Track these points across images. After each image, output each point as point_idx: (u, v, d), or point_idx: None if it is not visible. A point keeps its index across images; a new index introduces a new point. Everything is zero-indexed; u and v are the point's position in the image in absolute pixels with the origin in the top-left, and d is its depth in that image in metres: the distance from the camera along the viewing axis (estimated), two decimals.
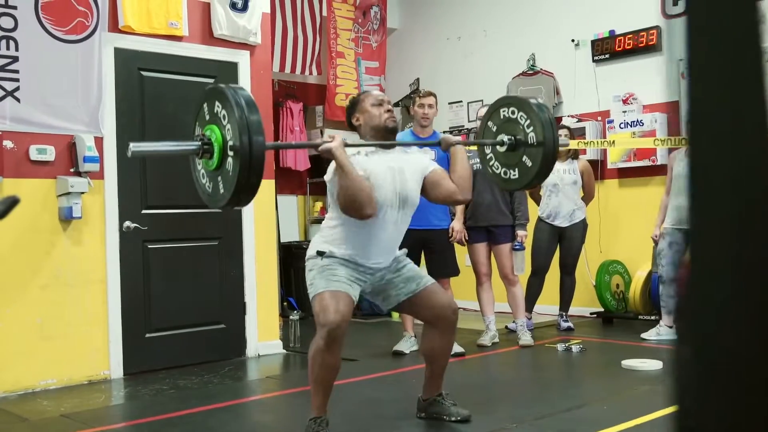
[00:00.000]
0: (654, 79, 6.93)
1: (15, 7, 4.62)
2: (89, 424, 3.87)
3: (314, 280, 3.37)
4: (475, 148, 5.51)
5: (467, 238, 5.79)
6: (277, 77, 7.95)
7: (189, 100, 5.36)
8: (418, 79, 8.75)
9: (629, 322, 6.77)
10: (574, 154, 6.48)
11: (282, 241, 7.80)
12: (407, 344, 5.63)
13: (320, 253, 3.40)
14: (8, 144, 4.61)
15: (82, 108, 4.88)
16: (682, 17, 0.88)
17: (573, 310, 6.79)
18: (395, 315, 7.55)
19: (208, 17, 5.51)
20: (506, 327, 6.18)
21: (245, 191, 2.87)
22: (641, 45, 6.98)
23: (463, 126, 8.38)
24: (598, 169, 7.14)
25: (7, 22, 4.60)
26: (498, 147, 3.76)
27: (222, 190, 2.92)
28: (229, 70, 5.65)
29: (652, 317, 6.43)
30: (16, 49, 4.62)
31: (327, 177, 3.43)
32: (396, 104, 8.88)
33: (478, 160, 5.85)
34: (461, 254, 5.94)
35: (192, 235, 5.44)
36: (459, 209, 5.62)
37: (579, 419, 3.75)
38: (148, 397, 4.48)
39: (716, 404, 0.88)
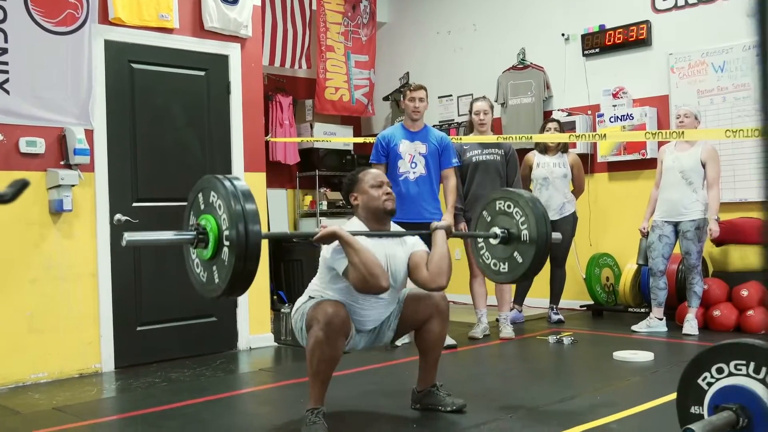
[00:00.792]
0: (644, 74, 6.96)
1: None
2: (83, 417, 3.85)
3: (305, 307, 3.43)
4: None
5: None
6: (267, 71, 7.92)
7: (179, 93, 5.40)
8: (407, 73, 8.75)
9: (619, 315, 6.81)
10: (564, 148, 6.50)
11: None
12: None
13: (311, 297, 3.48)
14: None
15: (72, 100, 4.85)
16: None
17: (563, 302, 6.82)
18: None
19: (198, 9, 5.49)
20: (496, 319, 6.20)
21: (241, 280, 2.82)
22: (631, 39, 7.01)
23: (452, 120, 8.39)
24: (587, 163, 7.16)
25: None
26: (491, 239, 3.79)
27: (217, 280, 2.88)
28: (220, 62, 5.63)
29: (642, 310, 6.47)
30: (5, 41, 4.58)
31: (326, 255, 3.42)
32: (386, 98, 8.89)
33: (478, 152, 5.89)
34: (451, 248, 5.92)
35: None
36: (450, 202, 5.61)
37: (573, 410, 3.76)
38: (140, 390, 4.47)
39: None
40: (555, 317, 6.57)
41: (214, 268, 2.89)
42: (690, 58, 6.63)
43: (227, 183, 2.86)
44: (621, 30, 7.07)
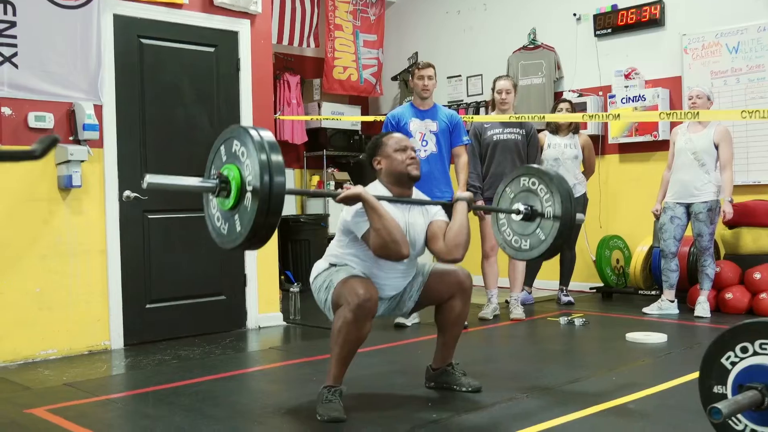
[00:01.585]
0: (656, 54, 6.88)
1: None
2: (94, 393, 3.82)
3: (330, 280, 3.35)
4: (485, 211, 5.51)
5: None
6: (275, 49, 7.84)
7: (189, 69, 5.34)
8: (416, 53, 8.67)
9: (629, 297, 6.78)
10: (576, 129, 6.44)
11: None
12: (410, 317, 5.60)
13: (332, 264, 3.43)
14: (6, 111, 4.51)
15: (81, 75, 4.79)
16: None
17: (572, 285, 6.78)
18: None
19: None
20: (506, 301, 6.15)
21: (261, 233, 2.75)
22: (644, 20, 6.93)
23: (461, 100, 8.32)
24: (598, 144, 7.10)
25: None
26: (513, 215, 3.71)
27: (237, 230, 2.81)
28: (229, 39, 5.56)
29: (653, 292, 6.43)
30: (14, 14, 4.52)
31: (346, 218, 3.36)
32: (394, 78, 8.81)
33: (499, 131, 5.82)
34: None
35: (192, 205, 5.29)
36: (462, 180, 5.55)
37: (589, 390, 3.73)
38: (150, 367, 4.43)
39: None
40: (565, 299, 6.54)
41: (235, 218, 2.82)
42: (704, 38, 6.55)
43: (253, 132, 2.78)
44: (634, 10, 6.99)
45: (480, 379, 3.71)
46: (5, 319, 4.52)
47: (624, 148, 7.11)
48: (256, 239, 2.77)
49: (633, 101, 6.83)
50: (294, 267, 7.81)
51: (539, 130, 6.59)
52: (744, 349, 2.56)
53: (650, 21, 6.88)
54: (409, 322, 5.57)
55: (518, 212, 3.67)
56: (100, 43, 4.86)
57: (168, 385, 3.94)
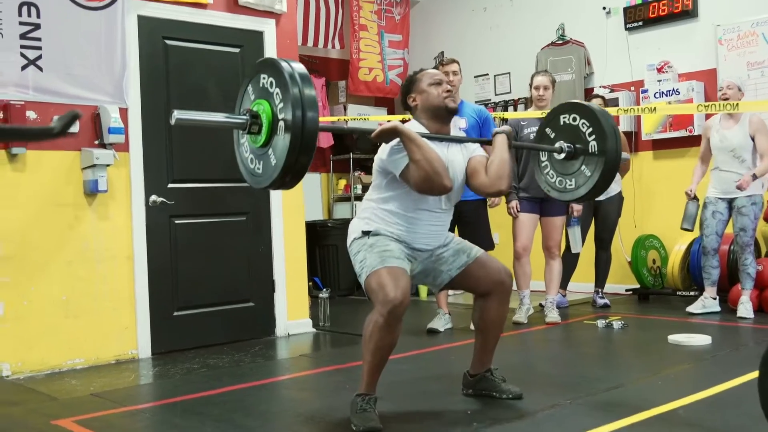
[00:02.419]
0: (690, 46, 6.70)
1: None
2: (122, 403, 3.72)
3: (365, 259, 3.18)
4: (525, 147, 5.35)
5: (518, 209, 5.60)
6: (299, 51, 7.73)
7: (214, 70, 5.25)
8: (442, 53, 8.52)
9: (667, 299, 6.59)
10: None
11: (305, 219, 7.63)
12: (441, 322, 5.47)
13: (366, 233, 3.24)
14: (31, 114, 4.43)
15: (106, 78, 4.71)
16: None
17: (607, 287, 6.59)
18: (423, 294, 7.39)
19: None
20: (540, 304, 5.98)
21: (293, 171, 2.66)
22: (676, 11, 6.75)
23: (489, 100, 8.17)
24: (631, 140, 6.93)
25: None
26: (555, 154, 3.55)
27: (268, 169, 2.72)
28: (255, 39, 5.46)
29: (691, 293, 6.23)
30: (38, 16, 4.44)
31: (382, 156, 3.22)
32: None
33: (536, 129, 5.64)
34: (492, 229, 5.68)
35: (219, 210, 5.28)
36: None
37: (633, 395, 3.57)
38: (179, 376, 4.33)
39: None
40: (600, 301, 6.36)
41: (266, 156, 2.73)
42: (739, 29, 6.36)
43: (284, 64, 2.68)
44: (665, 1, 6.81)
45: (520, 386, 3.56)
46: (32, 328, 4.44)
47: (658, 144, 6.92)
48: (286, 180, 2.71)
49: (666, 95, 6.65)
50: (322, 273, 7.70)
51: None
52: None
53: (683, 12, 6.70)
54: (441, 327, 5.43)
55: (561, 150, 3.51)
56: (125, 45, 4.77)
57: (197, 395, 3.83)
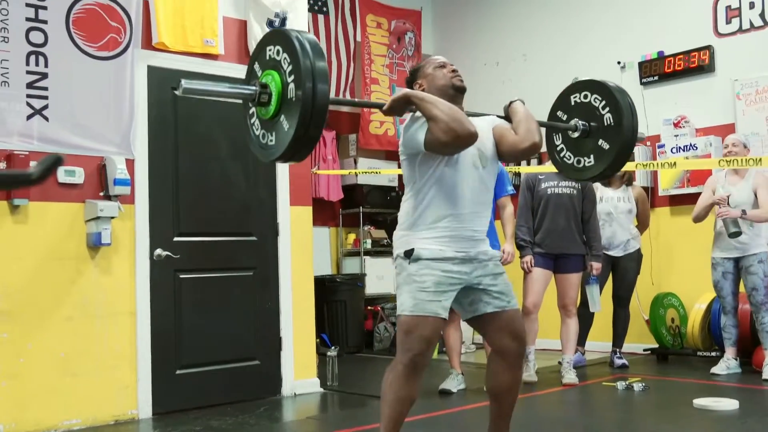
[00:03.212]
0: (707, 101, 6.60)
1: (45, 22, 4.37)
2: None
3: (402, 292, 3.06)
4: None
5: (532, 264, 5.42)
6: None
7: (224, 121, 5.14)
8: None
9: (686, 359, 6.36)
10: (629, 180, 6.14)
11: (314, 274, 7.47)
12: (455, 382, 5.25)
13: (407, 254, 3.05)
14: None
15: (114, 128, 4.61)
16: None
17: (624, 346, 6.36)
18: (434, 352, 7.16)
19: (244, 35, 5.26)
20: (559, 362, 5.75)
21: (303, 144, 2.62)
22: (692, 66, 6.67)
23: None
24: (648, 196, 6.77)
25: (37, 37, 4.34)
26: (570, 133, 3.42)
27: (275, 141, 2.68)
28: None
29: (713, 353, 6.01)
30: (46, 66, 4.36)
31: (402, 140, 3.09)
32: None
33: (554, 183, 5.52)
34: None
35: (226, 264, 5.12)
36: (508, 232, 5.25)
37: None
38: None
39: None
40: (619, 362, 6.13)
41: (276, 128, 2.67)
42: (757, 83, 6.26)
43: (295, 35, 2.63)
44: (681, 56, 6.74)
45: None
46: (28, 387, 4.25)
47: (675, 200, 6.77)
48: (295, 153, 2.66)
49: (683, 150, 6.52)
50: (330, 330, 7.50)
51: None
52: None
53: (699, 67, 6.61)
54: (454, 388, 5.22)
55: (576, 128, 3.37)
56: (133, 96, 4.68)
57: None
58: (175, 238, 4.89)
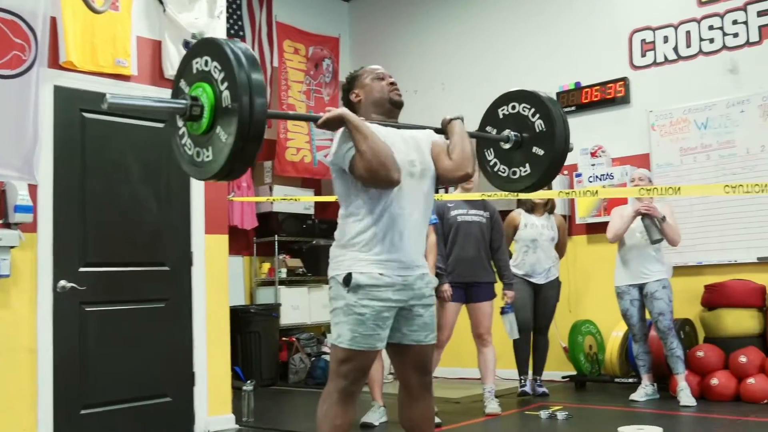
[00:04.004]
0: (623, 131, 6.72)
1: None
2: None
3: (338, 321, 2.93)
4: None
5: (451, 293, 5.32)
6: None
7: (136, 145, 4.90)
8: None
9: (604, 386, 6.39)
10: (551, 209, 6.15)
11: None
12: (376, 415, 5.10)
13: (346, 281, 2.90)
14: None
15: (14, 151, 4.30)
16: None
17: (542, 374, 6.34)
18: None
19: (158, 56, 5.04)
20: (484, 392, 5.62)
21: (240, 160, 2.49)
22: (609, 97, 6.80)
23: None
24: (566, 224, 6.82)
25: None
26: (502, 144, 3.35)
27: (210, 158, 2.53)
28: None
29: (630, 380, 6.05)
30: None
31: (332, 152, 2.95)
32: None
33: (463, 211, 5.45)
34: None
35: (136, 296, 4.84)
36: (430, 262, 5.15)
37: None
38: None
39: None
40: (539, 390, 6.10)
41: (209, 144, 2.53)
42: (671, 115, 6.41)
43: (228, 45, 2.50)
44: (598, 87, 6.86)
45: None
46: None
47: (592, 228, 6.85)
48: (233, 170, 2.53)
49: (600, 179, 6.61)
50: (243, 362, 7.23)
51: (508, 211, 6.25)
52: None
53: (615, 98, 6.74)
54: (376, 421, 5.06)
55: (507, 139, 3.31)
56: (38, 117, 4.39)
57: None
58: (81, 269, 4.59)
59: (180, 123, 2.65)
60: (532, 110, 3.30)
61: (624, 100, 6.70)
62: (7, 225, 4.23)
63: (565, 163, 6.76)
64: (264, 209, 7.87)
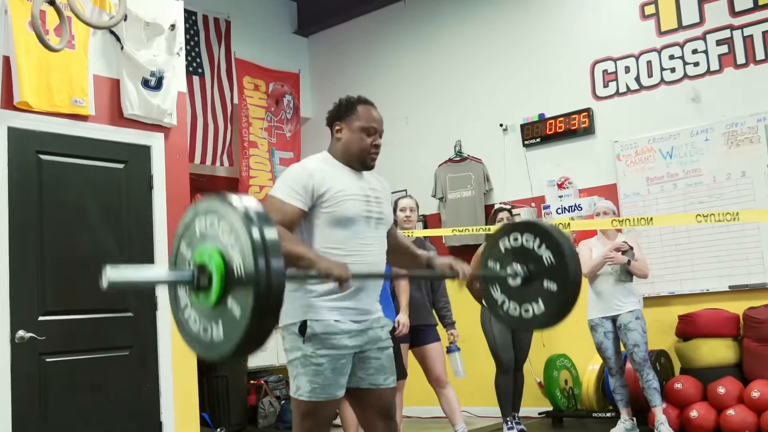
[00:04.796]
0: (589, 162, 6.71)
1: None
2: None
3: (296, 373, 2.83)
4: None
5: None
6: None
7: (95, 187, 4.71)
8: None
9: (582, 421, 6.30)
10: None
11: None
12: None
13: (302, 331, 2.80)
14: None
15: None
16: None
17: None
18: None
19: (117, 95, 4.88)
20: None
21: (258, 335, 2.16)
22: (573, 128, 6.79)
23: None
24: None
25: None
26: (510, 280, 3.14)
27: (222, 337, 2.20)
28: (141, 153, 4.98)
29: (607, 414, 5.97)
30: None
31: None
32: None
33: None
34: None
35: (99, 344, 4.62)
36: (404, 302, 5.03)
37: None
38: None
39: None
40: (518, 427, 5.96)
41: (220, 318, 2.19)
42: (636, 145, 6.42)
43: (236, 201, 2.19)
44: (562, 118, 6.85)
45: None
46: None
47: None
48: (249, 347, 2.21)
49: (569, 211, 6.58)
50: (211, 408, 6.98)
51: (474, 245, 6.16)
52: None
53: (580, 129, 6.74)
54: None
55: (515, 274, 3.11)
56: None
57: None
58: (41, 318, 4.36)
59: (182, 293, 2.34)
60: (537, 241, 3.14)
61: (588, 130, 6.70)
62: None
63: (532, 195, 6.82)
64: None
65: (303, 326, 2.80)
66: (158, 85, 5.05)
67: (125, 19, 4.83)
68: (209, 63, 7.68)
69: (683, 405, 5.53)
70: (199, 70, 7.57)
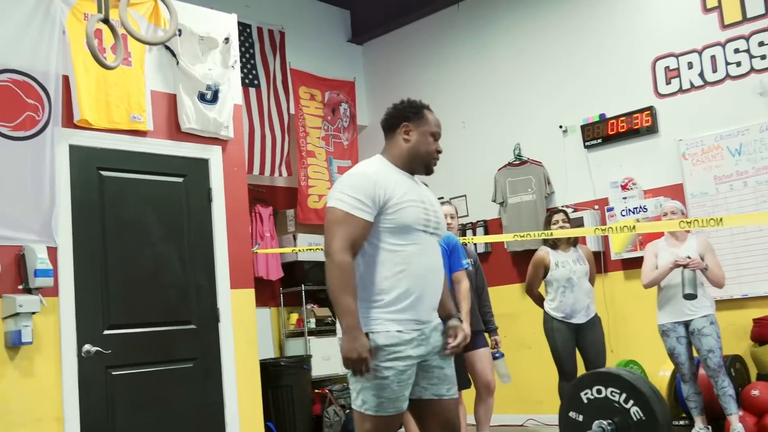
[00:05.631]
0: (653, 162, 6.53)
1: None
2: None
3: (361, 387, 2.79)
4: None
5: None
6: None
7: (155, 202, 4.76)
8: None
9: None
10: (575, 241, 5.81)
11: None
12: None
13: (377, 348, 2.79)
14: None
15: (33, 214, 4.17)
16: None
17: None
18: None
19: (174, 110, 4.92)
20: None
21: None
22: (635, 127, 6.62)
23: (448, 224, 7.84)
24: (600, 260, 6.61)
25: None
26: None
27: None
28: (200, 167, 5.02)
29: (681, 422, 5.77)
30: None
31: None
32: None
33: (471, 260, 5.29)
34: None
35: (163, 357, 4.66)
36: (465, 309, 4.95)
37: None
38: None
39: None
40: None
41: None
42: (703, 143, 6.22)
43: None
44: (624, 118, 6.69)
45: None
46: None
47: (629, 264, 6.62)
48: None
49: (633, 213, 6.41)
50: (276, 418, 7.01)
51: (535, 250, 6.00)
52: None
53: (642, 128, 6.56)
54: None
55: (603, 431, 3.03)
56: (54, 178, 4.27)
57: None
58: (106, 332, 4.42)
59: None
60: (624, 396, 3.05)
61: (651, 129, 6.53)
62: (28, 290, 4.08)
63: (595, 198, 6.66)
64: (289, 259, 7.72)
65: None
66: (214, 99, 5.08)
67: (180, 34, 4.88)
68: (265, 74, 7.74)
69: (761, 412, 5.32)
70: (255, 82, 7.63)
